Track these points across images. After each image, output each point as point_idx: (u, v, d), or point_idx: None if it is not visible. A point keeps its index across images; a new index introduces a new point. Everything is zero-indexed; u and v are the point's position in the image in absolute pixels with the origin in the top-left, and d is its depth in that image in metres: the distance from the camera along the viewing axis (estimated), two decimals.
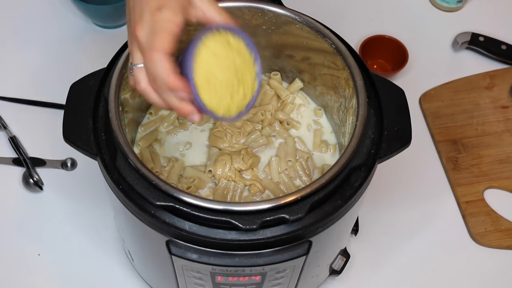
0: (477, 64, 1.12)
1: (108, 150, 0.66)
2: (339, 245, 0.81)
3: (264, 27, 0.78)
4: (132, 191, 0.63)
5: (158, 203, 0.61)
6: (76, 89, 0.71)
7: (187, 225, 0.62)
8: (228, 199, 0.74)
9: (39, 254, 0.90)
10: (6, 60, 1.09)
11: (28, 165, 0.96)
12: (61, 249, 0.91)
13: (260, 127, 0.80)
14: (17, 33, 1.13)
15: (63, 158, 0.97)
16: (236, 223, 0.60)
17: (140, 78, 0.59)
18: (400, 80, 1.09)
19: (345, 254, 0.85)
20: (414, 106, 1.07)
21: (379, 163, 0.68)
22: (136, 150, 0.78)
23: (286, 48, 0.81)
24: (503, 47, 1.11)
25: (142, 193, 0.62)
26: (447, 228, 0.95)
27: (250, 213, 0.61)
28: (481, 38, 1.12)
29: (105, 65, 0.72)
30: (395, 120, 0.70)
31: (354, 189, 0.65)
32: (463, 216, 0.96)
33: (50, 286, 0.88)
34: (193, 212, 0.61)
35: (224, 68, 0.57)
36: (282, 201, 0.61)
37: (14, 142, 0.98)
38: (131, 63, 0.60)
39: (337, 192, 0.65)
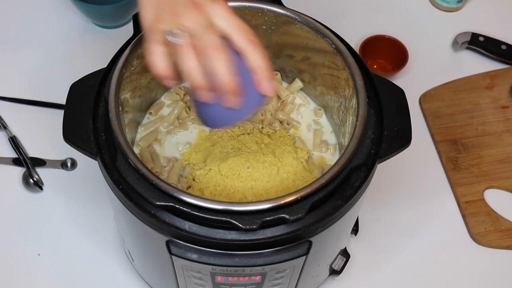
0: (477, 64, 1.12)
1: (108, 150, 0.66)
2: (339, 245, 0.81)
3: (264, 27, 0.78)
4: (132, 191, 0.63)
5: (158, 203, 0.61)
6: (76, 89, 0.71)
7: (187, 225, 0.62)
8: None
9: (39, 254, 0.90)
10: (6, 60, 1.09)
11: (28, 165, 0.96)
12: (61, 249, 0.91)
13: (260, 127, 0.81)
14: (17, 33, 1.13)
15: (63, 158, 0.97)
16: (236, 223, 0.60)
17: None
18: (400, 80, 1.09)
19: (345, 254, 0.85)
20: (414, 106, 1.07)
21: (379, 163, 0.68)
22: (136, 150, 0.78)
23: (286, 48, 0.81)
24: (503, 47, 1.11)
25: (142, 193, 0.62)
26: (447, 228, 0.95)
27: (250, 213, 0.61)
28: (481, 38, 1.12)
29: (105, 65, 0.72)
30: (395, 120, 0.70)
31: (354, 189, 0.65)
32: (463, 216, 0.96)
33: (50, 286, 0.88)
34: (193, 212, 0.61)
35: None
36: (282, 201, 0.61)
37: (14, 142, 0.98)
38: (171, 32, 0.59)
39: (337, 192, 0.65)
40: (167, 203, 0.61)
